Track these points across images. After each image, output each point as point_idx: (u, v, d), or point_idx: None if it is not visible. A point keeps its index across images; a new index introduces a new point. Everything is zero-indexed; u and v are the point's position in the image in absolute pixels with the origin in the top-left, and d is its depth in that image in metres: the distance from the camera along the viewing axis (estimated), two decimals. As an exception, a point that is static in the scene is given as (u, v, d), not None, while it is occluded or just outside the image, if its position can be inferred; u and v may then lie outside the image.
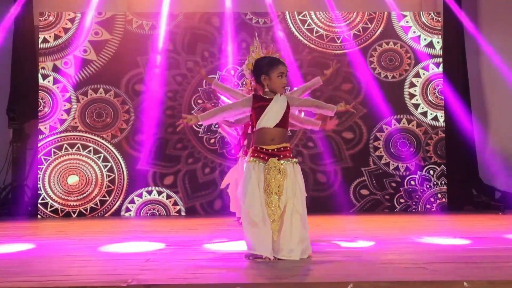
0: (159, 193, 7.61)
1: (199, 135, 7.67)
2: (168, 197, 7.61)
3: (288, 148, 4.03)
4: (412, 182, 7.77)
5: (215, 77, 7.56)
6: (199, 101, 7.70)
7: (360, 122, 7.85)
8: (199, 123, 4.04)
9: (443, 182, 7.78)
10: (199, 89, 7.71)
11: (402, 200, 7.74)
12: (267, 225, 3.88)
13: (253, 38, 4.39)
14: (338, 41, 7.89)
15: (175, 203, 7.61)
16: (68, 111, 7.59)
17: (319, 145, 7.75)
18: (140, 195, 7.59)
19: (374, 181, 7.76)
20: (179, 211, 7.61)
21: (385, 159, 7.80)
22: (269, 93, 4.04)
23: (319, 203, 7.55)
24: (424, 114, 7.86)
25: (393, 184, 7.77)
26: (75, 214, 7.51)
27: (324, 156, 7.74)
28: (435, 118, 7.86)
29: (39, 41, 7.67)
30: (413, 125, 7.86)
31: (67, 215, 7.49)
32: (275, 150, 3.98)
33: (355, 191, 7.74)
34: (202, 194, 7.65)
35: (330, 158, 7.75)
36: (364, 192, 7.76)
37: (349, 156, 7.80)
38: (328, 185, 7.72)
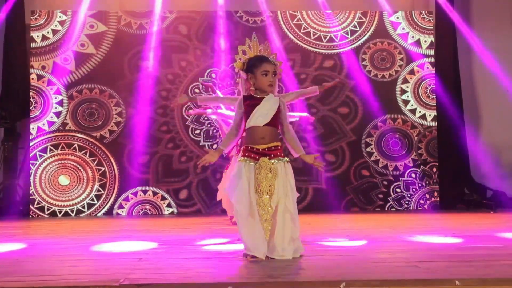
0: (152, 193, 7.59)
1: (187, 123, 7.67)
2: (162, 198, 7.59)
3: (279, 147, 4.02)
4: (405, 181, 7.78)
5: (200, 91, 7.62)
6: (196, 89, 7.69)
7: (352, 100, 7.84)
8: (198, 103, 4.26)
9: (435, 181, 7.81)
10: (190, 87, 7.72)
11: (393, 199, 7.76)
12: (258, 225, 3.88)
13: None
14: (325, 40, 7.88)
15: (168, 204, 7.60)
16: (59, 111, 7.56)
17: (318, 127, 7.78)
18: (133, 195, 7.56)
19: (365, 181, 7.77)
20: (170, 208, 7.59)
21: (377, 158, 7.81)
22: (260, 93, 4.04)
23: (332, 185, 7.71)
24: (417, 113, 7.88)
25: (385, 183, 7.78)
26: (67, 214, 7.48)
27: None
28: (427, 118, 7.88)
29: (31, 40, 7.63)
30: (405, 125, 7.87)
31: (59, 215, 7.45)
32: (266, 149, 3.97)
33: (347, 203, 7.77)
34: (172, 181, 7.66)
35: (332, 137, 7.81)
36: (355, 196, 7.77)
37: (350, 130, 7.81)
38: (337, 165, 7.78)
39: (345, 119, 7.84)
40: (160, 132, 7.64)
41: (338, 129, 7.81)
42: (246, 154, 4.00)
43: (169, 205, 7.61)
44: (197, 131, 7.67)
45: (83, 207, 7.51)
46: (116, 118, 7.63)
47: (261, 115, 3.99)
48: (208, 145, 7.66)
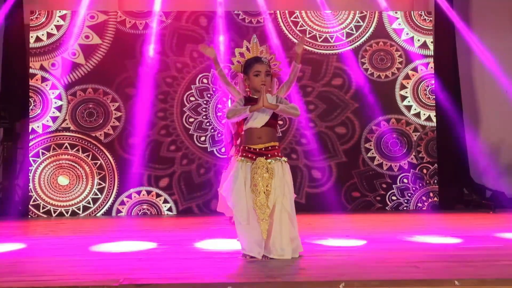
0: (151, 193, 7.58)
1: (190, 132, 7.66)
2: (159, 196, 7.58)
3: (277, 147, 4.03)
4: (404, 181, 7.78)
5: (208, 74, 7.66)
6: (192, 98, 7.68)
7: (351, 122, 7.83)
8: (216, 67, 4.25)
9: (434, 181, 7.80)
10: (192, 86, 7.69)
11: (393, 199, 7.75)
12: (255, 225, 3.89)
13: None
14: (332, 40, 7.86)
15: (166, 202, 7.59)
16: (59, 111, 7.55)
17: (312, 142, 7.75)
18: (131, 195, 7.55)
19: (364, 182, 7.76)
20: (170, 209, 7.58)
21: (377, 159, 7.81)
22: (256, 94, 4.06)
23: (312, 201, 7.62)
24: (416, 114, 7.87)
25: (384, 185, 7.77)
26: (66, 214, 7.47)
27: (316, 153, 7.75)
28: (427, 118, 7.88)
29: (30, 40, 7.62)
30: (404, 125, 7.86)
31: (58, 215, 7.44)
32: (263, 149, 3.99)
33: (346, 191, 7.74)
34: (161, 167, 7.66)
35: (323, 154, 7.76)
36: (356, 194, 7.76)
37: (343, 151, 7.77)
38: (321, 183, 7.72)
39: (340, 139, 7.80)
40: (171, 152, 7.65)
41: (331, 147, 7.79)
42: (244, 154, 4.02)
43: (166, 201, 7.58)
44: (202, 138, 7.67)
45: (83, 207, 7.49)
46: (115, 114, 7.60)
47: (259, 117, 4.01)
48: (216, 149, 7.64)
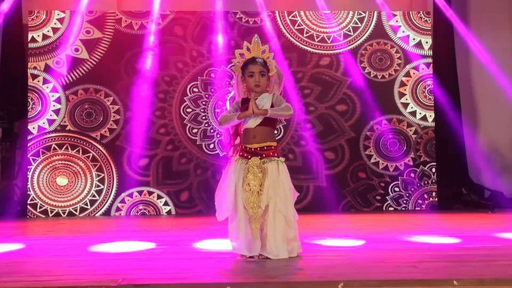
0: (150, 193, 7.58)
1: (197, 143, 7.65)
2: (159, 197, 7.58)
3: (273, 147, 4.02)
4: (402, 182, 7.79)
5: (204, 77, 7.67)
6: (188, 109, 7.69)
7: (342, 149, 7.81)
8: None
9: (433, 181, 7.81)
10: (185, 98, 7.68)
11: (392, 199, 7.76)
12: (246, 225, 3.90)
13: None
14: (329, 41, 7.87)
15: (166, 204, 7.59)
16: (57, 111, 7.55)
17: (298, 159, 7.72)
18: (130, 195, 7.55)
19: (362, 183, 7.77)
20: (169, 211, 7.58)
21: (375, 159, 7.81)
22: (254, 94, 4.07)
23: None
24: (414, 114, 7.88)
25: (383, 184, 7.78)
26: (65, 214, 7.47)
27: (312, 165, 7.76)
28: (425, 118, 7.88)
29: (28, 40, 7.62)
30: (403, 125, 7.87)
31: (57, 215, 7.44)
32: (258, 149, 3.99)
33: (342, 192, 7.76)
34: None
35: (304, 174, 7.72)
36: (356, 184, 7.78)
37: (325, 176, 7.73)
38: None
39: (327, 163, 7.74)
40: (159, 135, 7.65)
41: (315, 169, 7.75)
42: (240, 153, 4.04)
43: (160, 197, 7.59)
44: (211, 146, 7.67)
45: (81, 207, 7.49)
46: (113, 108, 7.61)
47: (253, 117, 4.01)
48: (205, 144, 7.65)
